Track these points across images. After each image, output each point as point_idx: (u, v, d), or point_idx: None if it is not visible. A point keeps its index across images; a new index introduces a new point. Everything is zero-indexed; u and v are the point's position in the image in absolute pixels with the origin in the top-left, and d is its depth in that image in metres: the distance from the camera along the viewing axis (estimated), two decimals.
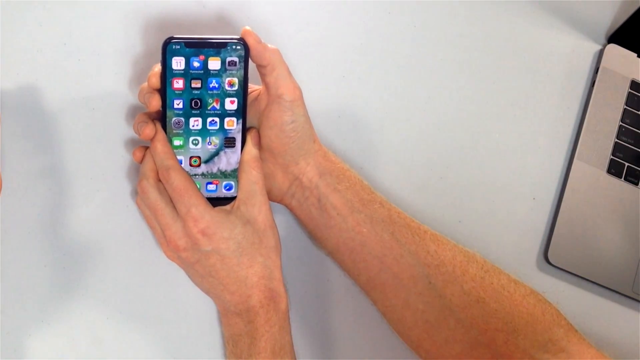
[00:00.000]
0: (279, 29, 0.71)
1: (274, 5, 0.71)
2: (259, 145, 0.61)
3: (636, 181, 0.75)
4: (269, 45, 0.58)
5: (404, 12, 0.74)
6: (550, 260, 0.71)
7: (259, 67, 0.59)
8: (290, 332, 0.60)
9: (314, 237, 0.65)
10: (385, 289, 0.62)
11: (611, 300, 0.73)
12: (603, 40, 0.79)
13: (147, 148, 0.60)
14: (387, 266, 0.62)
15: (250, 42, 0.57)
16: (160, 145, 0.58)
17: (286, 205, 0.64)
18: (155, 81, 0.58)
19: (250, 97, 0.62)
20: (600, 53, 0.78)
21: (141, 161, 0.60)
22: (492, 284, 0.61)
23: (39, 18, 0.65)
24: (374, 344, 0.66)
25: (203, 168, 0.60)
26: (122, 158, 0.64)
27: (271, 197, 0.63)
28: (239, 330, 0.59)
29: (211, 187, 0.60)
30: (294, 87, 0.59)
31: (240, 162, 0.60)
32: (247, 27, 0.58)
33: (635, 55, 0.78)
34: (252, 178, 0.59)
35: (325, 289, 0.67)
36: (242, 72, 0.58)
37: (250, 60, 0.58)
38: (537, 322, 0.60)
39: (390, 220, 0.62)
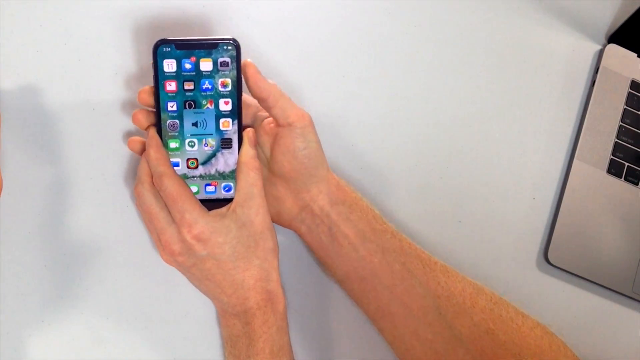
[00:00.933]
0: (278, 29, 0.71)
1: (274, 5, 0.71)
2: (256, 144, 0.61)
3: (636, 181, 0.75)
4: (268, 81, 0.59)
5: (404, 12, 0.74)
6: (550, 260, 0.71)
7: (261, 100, 0.59)
8: (289, 332, 0.60)
9: (324, 264, 0.65)
10: (394, 318, 0.62)
11: (611, 300, 0.73)
12: (603, 40, 0.79)
13: (143, 142, 0.60)
14: (397, 296, 0.61)
15: (249, 72, 0.58)
16: (153, 151, 0.58)
17: (295, 231, 0.64)
18: (146, 98, 0.58)
19: (256, 118, 0.62)
20: (600, 53, 0.78)
21: (138, 151, 0.60)
22: (500, 315, 0.62)
23: (39, 18, 0.65)
24: (373, 345, 0.66)
25: (201, 170, 0.60)
26: (122, 158, 0.64)
27: (280, 221, 0.63)
28: (237, 331, 0.59)
29: (210, 188, 0.60)
30: (303, 114, 0.60)
31: (237, 163, 0.60)
32: (249, 60, 0.58)
33: (635, 55, 0.78)
34: (250, 180, 0.59)
35: (324, 290, 0.67)
36: (235, 72, 0.57)
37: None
38: (544, 354, 0.61)
39: (402, 250, 0.62)
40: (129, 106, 0.65)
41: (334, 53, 0.72)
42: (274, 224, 0.61)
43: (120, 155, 0.64)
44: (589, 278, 0.72)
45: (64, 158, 0.63)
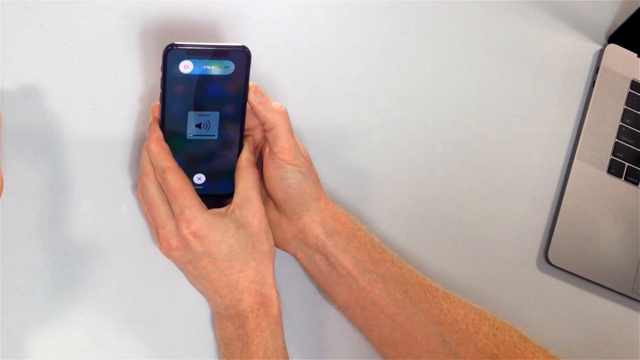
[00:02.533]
0: (279, 28, 0.71)
1: (274, 5, 0.71)
2: (255, 152, 0.62)
3: (636, 181, 0.75)
4: (273, 104, 0.59)
5: (404, 12, 0.74)
6: (550, 260, 0.71)
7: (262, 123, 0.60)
8: (283, 336, 0.59)
9: (324, 291, 0.64)
10: (398, 346, 0.62)
11: (611, 300, 0.73)
12: (603, 40, 0.79)
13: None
14: (400, 324, 0.61)
15: (250, 100, 0.58)
16: (153, 144, 0.58)
17: (292, 255, 0.64)
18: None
19: (255, 134, 0.62)
20: (600, 53, 0.78)
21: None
22: (504, 341, 0.61)
23: (39, 18, 0.65)
24: (368, 350, 0.65)
25: (199, 167, 0.60)
26: (122, 158, 0.64)
27: (275, 243, 0.63)
28: (230, 334, 0.59)
29: (206, 185, 0.61)
30: (289, 149, 0.59)
31: (237, 167, 0.60)
32: (254, 83, 0.58)
33: (635, 55, 0.78)
34: (249, 183, 0.59)
35: (320, 294, 0.66)
36: (243, 78, 0.57)
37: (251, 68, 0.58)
38: None
39: (403, 279, 0.62)
40: (129, 106, 0.65)
41: (334, 53, 0.72)
42: None
43: (120, 155, 0.64)
44: (589, 278, 0.72)
45: (64, 158, 0.63)
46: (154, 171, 0.59)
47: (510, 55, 0.76)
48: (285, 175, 0.60)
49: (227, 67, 0.56)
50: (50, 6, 0.65)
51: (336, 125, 0.70)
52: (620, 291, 0.72)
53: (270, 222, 0.62)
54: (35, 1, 0.65)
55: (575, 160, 0.74)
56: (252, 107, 0.59)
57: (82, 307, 0.62)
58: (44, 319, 0.61)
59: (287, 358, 0.59)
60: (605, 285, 0.72)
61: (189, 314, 0.63)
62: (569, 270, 0.72)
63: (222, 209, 0.59)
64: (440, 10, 0.75)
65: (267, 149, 0.61)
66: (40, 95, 0.64)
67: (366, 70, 0.72)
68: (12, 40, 0.64)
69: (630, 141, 0.75)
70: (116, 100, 0.65)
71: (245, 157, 0.60)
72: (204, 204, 0.58)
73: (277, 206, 0.62)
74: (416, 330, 0.61)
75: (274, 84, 0.69)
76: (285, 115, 0.59)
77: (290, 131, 0.60)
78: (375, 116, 0.72)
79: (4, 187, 0.60)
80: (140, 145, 0.64)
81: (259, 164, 0.63)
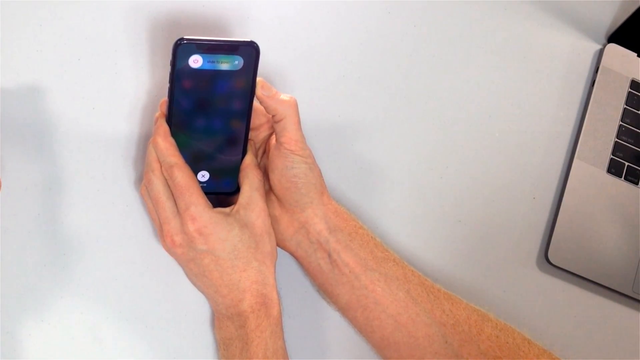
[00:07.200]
0: (278, 28, 0.71)
1: (274, 4, 0.71)
2: (257, 155, 0.62)
3: (636, 181, 0.75)
4: (283, 96, 0.59)
5: (404, 12, 0.74)
6: (550, 260, 0.71)
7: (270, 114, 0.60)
8: (283, 337, 0.59)
9: (324, 291, 0.64)
10: (400, 348, 0.61)
11: (611, 300, 0.73)
12: (603, 40, 0.79)
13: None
14: (402, 325, 0.61)
15: (259, 95, 0.58)
16: (161, 139, 0.58)
17: (291, 253, 0.64)
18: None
19: (260, 132, 0.62)
20: (600, 53, 0.78)
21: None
22: (507, 343, 0.61)
23: (39, 18, 0.65)
24: (370, 349, 0.65)
25: (204, 165, 0.60)
26: (122, 158, 0.64)
27: (276, 240, 0.63)
28: (230, 334, 0.59)
29: (210, 182, 0.61)
30: (296, 140, 0.59)
31: (242, 169, 0.60)
32: (261, 78, 0.58)
33: (635, 55, 0.78)
34: (254, 184, 0.60)
35: (320, 297, 0.66)
36: (251, 75, 0.57)
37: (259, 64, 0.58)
38: None
39: (405, 278, 0.62)
40: (129, 106, 0.65)
41: (334, 53, 0.72)
42: None
43: (120, 155, 0.64)
44: (589, 278, 0.72)
45: (64, 158, 0.63)
46: (160, 167, 0.59)
47: (510, 55, 0.76)
48: (292, 165, 0.60)
49: (236, 62, 0.57)
50: (49, 5, 0.65)
51: (336, 124, 0.70)
52: (620, 291, 0.72)
53: (271, 219, 0.62)
54: (35, 1, 0.65)
55: (575, 160, 0.74)
56: (260, 101, 0.59)
57: (82, 307, 0.62)
58: (44, 319, 0.61)
59: (287, 359, 0.59)
60: (605, 285, 0.72)
61: (189, 314, 0.63)
62: (569, 270, 0.72)
63: (227, 209, 0.59)
64: (440, 10, 0.75)
65: (273, 140, 0.61)
66: (40, 95, 0.64)
67: (366, 70, 0.72)
68: (12, 40, 0.64)
69: (630, 141, 0.75)
70: (116, 100, 0.65)
71: (250, 159, 0.61)
72: (209, 202, 0.58)
73: (280, 199, 0.62)
74: (418, 331, 0.61)
75: (273, 84, 0.69)
76: (295, 106, 0.59)
77: (299, 123, 0.60)
78: (375, 116, 0.72)
79: (3, 187, 0.60)
80: (141, 143, 0.64)
81: (263, 160, 0.63)
